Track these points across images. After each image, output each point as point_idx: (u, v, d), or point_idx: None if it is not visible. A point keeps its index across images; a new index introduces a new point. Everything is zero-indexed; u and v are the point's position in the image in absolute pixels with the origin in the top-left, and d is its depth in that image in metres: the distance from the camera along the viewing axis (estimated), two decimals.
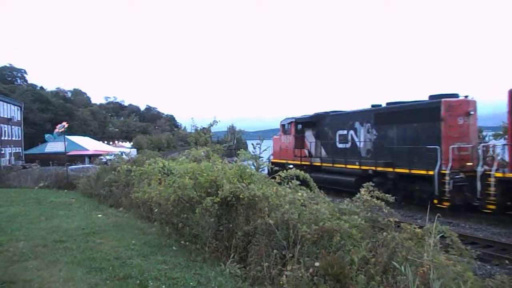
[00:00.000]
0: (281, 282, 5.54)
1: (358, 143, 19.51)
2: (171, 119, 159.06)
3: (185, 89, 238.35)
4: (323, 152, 22.03)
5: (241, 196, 7.45)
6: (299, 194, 7.56)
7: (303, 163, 22.77)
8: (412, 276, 4.48)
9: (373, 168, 17.57)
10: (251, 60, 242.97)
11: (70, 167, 27.61)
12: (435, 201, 14.23)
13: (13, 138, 60.99)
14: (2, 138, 55.75)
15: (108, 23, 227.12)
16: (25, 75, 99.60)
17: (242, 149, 10.71)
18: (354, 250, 5.55)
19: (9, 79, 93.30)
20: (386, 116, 18.16)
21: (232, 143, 47.93)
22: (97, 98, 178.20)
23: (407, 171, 15.71)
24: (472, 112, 15.25)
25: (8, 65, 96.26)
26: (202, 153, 10.43)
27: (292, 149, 24.01)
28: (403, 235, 5.95)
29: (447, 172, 14.15)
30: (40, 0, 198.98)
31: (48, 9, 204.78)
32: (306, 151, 23.44)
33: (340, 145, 20.78)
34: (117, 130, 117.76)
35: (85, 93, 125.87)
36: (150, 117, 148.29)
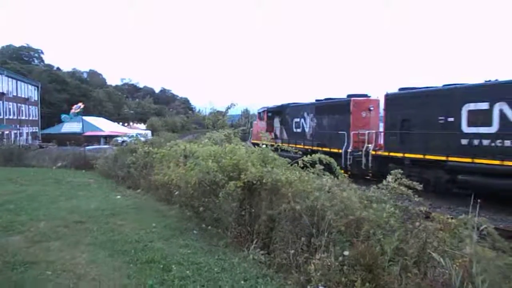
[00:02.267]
0: (309, 271, 5.36)
1: (305, 129, 25.19)
2: (185, 102, 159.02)
3: (200, 72, 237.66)
4: (285, 135, 27.28)
5: (264, 181, 7.29)
6: (324, 180, 7.34)
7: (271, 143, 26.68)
8: (454, 269, 4.25)
9: (311, 147, 21.76)
10: (267, 46, 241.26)
11: (87, 147, 27.76)
12: (343, 172, 15.26)
13: (31, 118, 61.61)
14: (20, 118, 56.34)
15: (124, 4, 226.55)
16: (42, 55, 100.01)
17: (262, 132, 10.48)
18: (386, 240, 5.33)
19: (26, 59, 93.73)
20: (321, 109, 23.76)
21: (246, 127, 47.77)
22: (112, 79, 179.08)
23: (328, 149, 20.17)
24: (372, 108, 20.80)
25: (25, 45, 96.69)
26: (223, 136, 10.24)
27: (264, 132, 28.45)
28: (434, 226, 5.74)
29: (349, 150, 19.69)
30: None
31: None
32: (273, 134, 27.96)
33: (295, 130, 26.28)
34: (132, 111, 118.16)
35: (100, 74, 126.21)
36: (165, 99, 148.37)
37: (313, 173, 7.83)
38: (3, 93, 50.30)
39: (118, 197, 12.05)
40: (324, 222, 6.02)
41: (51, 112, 71.46)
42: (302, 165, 8.26)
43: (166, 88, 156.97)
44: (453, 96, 14.82)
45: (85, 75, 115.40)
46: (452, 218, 5.98)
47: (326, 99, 23.99)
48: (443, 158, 14.54)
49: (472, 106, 14.04)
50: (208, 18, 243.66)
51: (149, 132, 64.40)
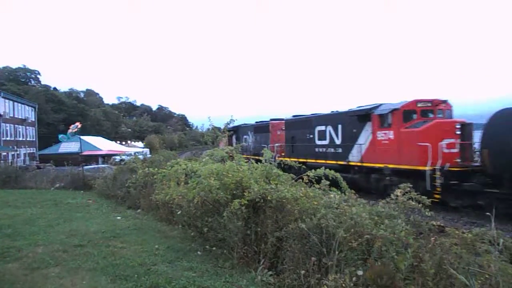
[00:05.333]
0: None
1: (249, 143, 32.94)
2: (182, 119, 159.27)
3: (196, 88, 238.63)
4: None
5: (269, 198, 7.06)
6: (331, 195, 7.11)
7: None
8: None
9: (251, 156, 23.57)
10: (264, 58, 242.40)
11: (85, 167, 27.46)
12: None
13: (28, 139, 61.35)
14: (17, 139, 56.05)
15: (119, 24, 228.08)
16: (38, 76, 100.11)
17: (266, 148, 10.28)
18: (400, 257, 5.10)
19: (23, 80, 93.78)
20: (256, 129, 31.99)
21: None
22: (109, 98, 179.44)
23: (258, 157, 22.05)
24: (283, 128, 27.26)
25: (22, 66, 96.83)
26: (225, 153, 10.01)
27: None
28: (449, 241, 5.51)
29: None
30: (54, 2, 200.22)
31: (61, 11, 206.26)
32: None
33: (244, 144, 31.51)
34: (129, 130, 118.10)
35: (97, 93, 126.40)
36: (162, 116, 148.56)
37: (319, 188, 7.62)
38: (0, 115, 50.09)
39: (118, 218, 11.79)
40: (334, 240, 5.78)
41: (49, 132, 71.22)
42: (307, 181, 8.07)
43: (163, 106, 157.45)
44: (311, 122, 23.31)
45: (81, 95, 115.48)
46: (466, 233, 5.75)
47: (257, 122, 32.96)
48: (305, 160, 20.63)
49: (319, 128, 22.44)
50: (203, 33, 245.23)
51: (147, 150, 64.19)
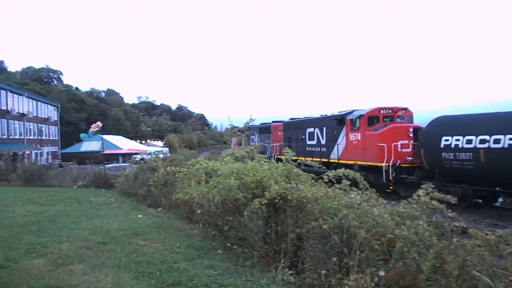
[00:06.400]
0: None
1: (255, 143, 31.19)
2: (201, 118, 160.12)
3: (214, 88, 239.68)
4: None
5: (289, 198, 7.08)
6: (352, 195, 7.08)
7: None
8: None
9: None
10: (283, 58, 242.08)
11: (106, 166, 27.89)
12: None
13: (50, 138, 62.57)
14: (40, 138, 57.21)
15: (139, 25, 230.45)
16: (61, 76, 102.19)
17: (287, 148, 10.28)
18: (422, 258, 5.07)
19: (46, 80, 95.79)
20: (261, 130, 33.75)
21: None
22: (129, 97, 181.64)
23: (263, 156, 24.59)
24: (282, 129, 29.64)
25: (45, 67, 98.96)
26: (245, 152, 10.07)
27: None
28: (472, 242, 5.45)
29: (269, 156, 26.20)
30: (77, 4, 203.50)
31: (84, 12, 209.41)
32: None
33: (251, 143, 30.76)
34: (149, 129, 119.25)
35: (118, 93, 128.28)
36: (181, 116, 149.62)
37: (339, 188, 7.60)
38: (24, 114, 51.22)
39: (140, 216, 11.94)
40: (356, 240, 5.77)
41: (70, 131, 72.52)
42: (327, 180, 8.06)
43: (182, 105, 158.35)
44: (303, 124, 26.30)
45: (102, 95, 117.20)
46: (489, 234, 5.68)
47: (262, 123, 33.75)
48: (297, 157, 21.95)
49: (309, 129, 25.23)
50: (222, 34, 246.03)
51: (166, 149, 64.77)
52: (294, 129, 27.75)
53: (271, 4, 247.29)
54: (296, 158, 19.54)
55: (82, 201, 15.36)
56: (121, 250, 7.85)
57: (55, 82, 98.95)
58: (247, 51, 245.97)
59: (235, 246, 7.83)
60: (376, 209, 6.27)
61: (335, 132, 21.70)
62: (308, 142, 25.06)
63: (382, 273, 5.11)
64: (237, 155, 10.00)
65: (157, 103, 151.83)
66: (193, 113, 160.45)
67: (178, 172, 9.45)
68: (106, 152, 51.55)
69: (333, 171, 8.22)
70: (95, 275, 6.35)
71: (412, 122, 19.19)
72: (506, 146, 12.89)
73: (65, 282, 6.06)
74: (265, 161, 8.98)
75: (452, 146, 14.61)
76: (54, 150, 62.73)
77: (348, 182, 7.74)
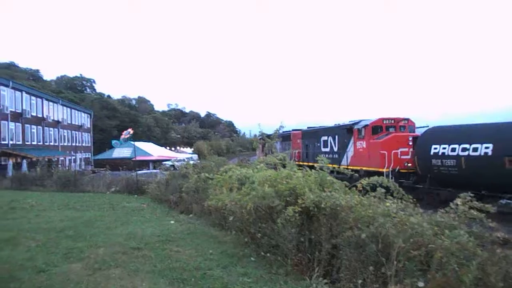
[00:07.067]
0: None
1: (277, 150, 32.96)
2: (230, 125, 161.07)
3: (244, 94, 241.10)
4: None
5: (323, 206, 7.00)
6: (387, 204, 6.95)
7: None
8: None
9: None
10: (314, 64, 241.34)
11: (138, 172, 28.32)
12: None
13: (83, 144, 64.09)
14: (74, 144, 58.70)
15: (169, 34, 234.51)
16: (94, 84, 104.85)
17: (321, 155, 10.20)
18: (464, 270, 4.91)
19: (79, 88, 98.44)
20: (282, 137, 31.58)
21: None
22: (159, 105, 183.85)
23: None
24: (300, 137, 31.04)
25: (79, 76, 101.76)
26: (277, 160, 10.05)
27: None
28: None
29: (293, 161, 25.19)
30: (108, 13, 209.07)
31: (116, 21, 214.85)
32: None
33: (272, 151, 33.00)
34: (178, 136, 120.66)
35: (148, 101, 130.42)
36: (210, 123, 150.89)
37: (374, 196, 7.47)
38: (58, 121, 52.71)
39: (172, 222, 12.05)
40: (393, 249, 5.64)
41: (103, 138, 74.11)
42: (360, 188, 7.95)
43: (211, 112, 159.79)
44: (318, 133, 28.01)
45: (133, 102, 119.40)
46: None
47: (308, 127, 33.58)
48: (313, 164, 20.57)
49: (323, 138, 26.68)
50: (250, 42, 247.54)
51: (196, 156, 65.33)
52: (310, 137, 29.43)
53: (290, 11, 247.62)
54: (312, 164, 20.54)
55: (116, 206, 15.63)
56: (156, 256, 7.93)
57: (88, 90, 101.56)
58: (279, 54, 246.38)
59: (268, 254, 7.82)
60: (414, 218, 6.13)
61: (345, 141, 23.50)
62: (323, 150, 26.48)
63: (421, 284, 4.98)
64: (269, 162, 9.98)
65: (187, 110, 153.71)
66: (222, 120, 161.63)
67: (210, 179, 9.47)
68: (138, 158, 52.40)
69: (367, 178, 8.09)
70: (131, 280, 6.45)
71: (414, 131, 20.90)
72: (482, 154, 14.46)
73: (103, 286, 6.18)
74: (298, 168, 8.95)
75: (440, 153, 16.28)
76: (87, 156, 64.22)
77: (383, 190, 7.61)
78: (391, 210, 6.40)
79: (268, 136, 16.95)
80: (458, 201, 6.66)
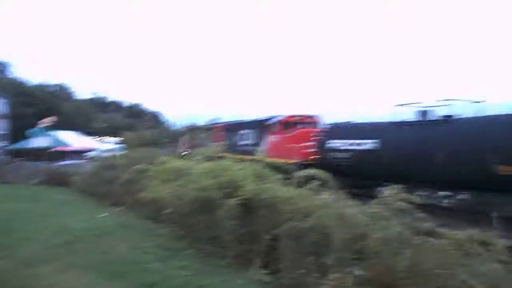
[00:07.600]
0: None
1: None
2: (157, 115, 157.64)
3: (172, 85, 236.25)
4: None
5: (262, 197, 7.15)
6: (324, 196, 7.23)
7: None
8: None
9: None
10: (249, 56, 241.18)
11: (60, 163, 26.98)
12: None
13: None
14: None
15: (92, 16, 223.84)
16: (10, 68, 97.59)
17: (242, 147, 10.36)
18: (399, 258, 5.25)
19: None
20: (205, 130, 29.90)
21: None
22: (84, 93, 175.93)
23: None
24: (223, 130, 29.18)
25: None
26: (215, 152, 10.09)
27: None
28: (445, 242, 5.69)
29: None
30: None
31: (36, 3, 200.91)
32: None
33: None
34: (103, 125, 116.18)
35: (70, 88, 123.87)
36: (136, 113, 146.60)
37: (309, 189, 7.72)
38: None
39: (103, 215, 11.62)
40: (332, 240, 5.90)
41: (20, 126, 69.42)
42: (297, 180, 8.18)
43: (137, 102, 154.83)
44: (237, 126, 27.82)
45: (54, 89, 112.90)
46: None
47: (230, 121, 32.54)
48: (234, 155, 21.28)
49: (242, 131, 26.27)
50: (179, 30, 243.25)
51: (122, 146, 63.23)
52: (231, 130, 30.30)
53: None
54: (233, 155, 20.59)
55: (42, 199, 14.85)
56: (90, 250, 7.70)
57: (3, 74, 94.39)
58: (209, 45, 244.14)
59: (207, 246, 7.82)
60: (349, 209, 6.44)
61: (260, 134, 24.98)
62: (242, 142, 27.64)
63: (359, 272, 5.25)
64: (208, 154, 9.97)
65: (111, 100, 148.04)
66: (149, 109, 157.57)
67: (145, 171, 9.28)
68: (58, 148, 49.69)
69: (304, 170, 8.36)
70: (66, 277, 6.18)
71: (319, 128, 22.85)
72: (367, 148, 16.21)
73: (34, 284, 5.87)
74: (236, 161, 9.03)
75: (333, 147, 18.02)
76: (3, 145, 59.73)
77: (319, 183, 7.90)
78: (328, 202, 6.66)
79: (198, 127, 16.94)
80: (387, 192, 7.10)
